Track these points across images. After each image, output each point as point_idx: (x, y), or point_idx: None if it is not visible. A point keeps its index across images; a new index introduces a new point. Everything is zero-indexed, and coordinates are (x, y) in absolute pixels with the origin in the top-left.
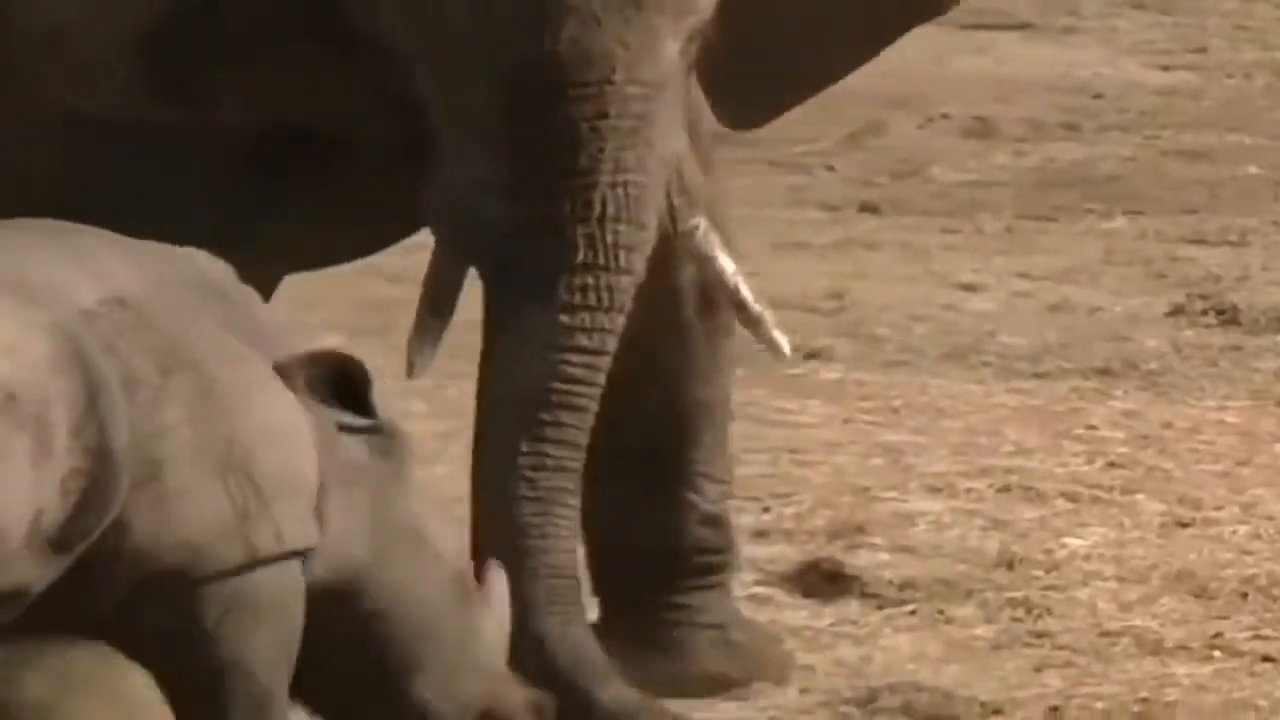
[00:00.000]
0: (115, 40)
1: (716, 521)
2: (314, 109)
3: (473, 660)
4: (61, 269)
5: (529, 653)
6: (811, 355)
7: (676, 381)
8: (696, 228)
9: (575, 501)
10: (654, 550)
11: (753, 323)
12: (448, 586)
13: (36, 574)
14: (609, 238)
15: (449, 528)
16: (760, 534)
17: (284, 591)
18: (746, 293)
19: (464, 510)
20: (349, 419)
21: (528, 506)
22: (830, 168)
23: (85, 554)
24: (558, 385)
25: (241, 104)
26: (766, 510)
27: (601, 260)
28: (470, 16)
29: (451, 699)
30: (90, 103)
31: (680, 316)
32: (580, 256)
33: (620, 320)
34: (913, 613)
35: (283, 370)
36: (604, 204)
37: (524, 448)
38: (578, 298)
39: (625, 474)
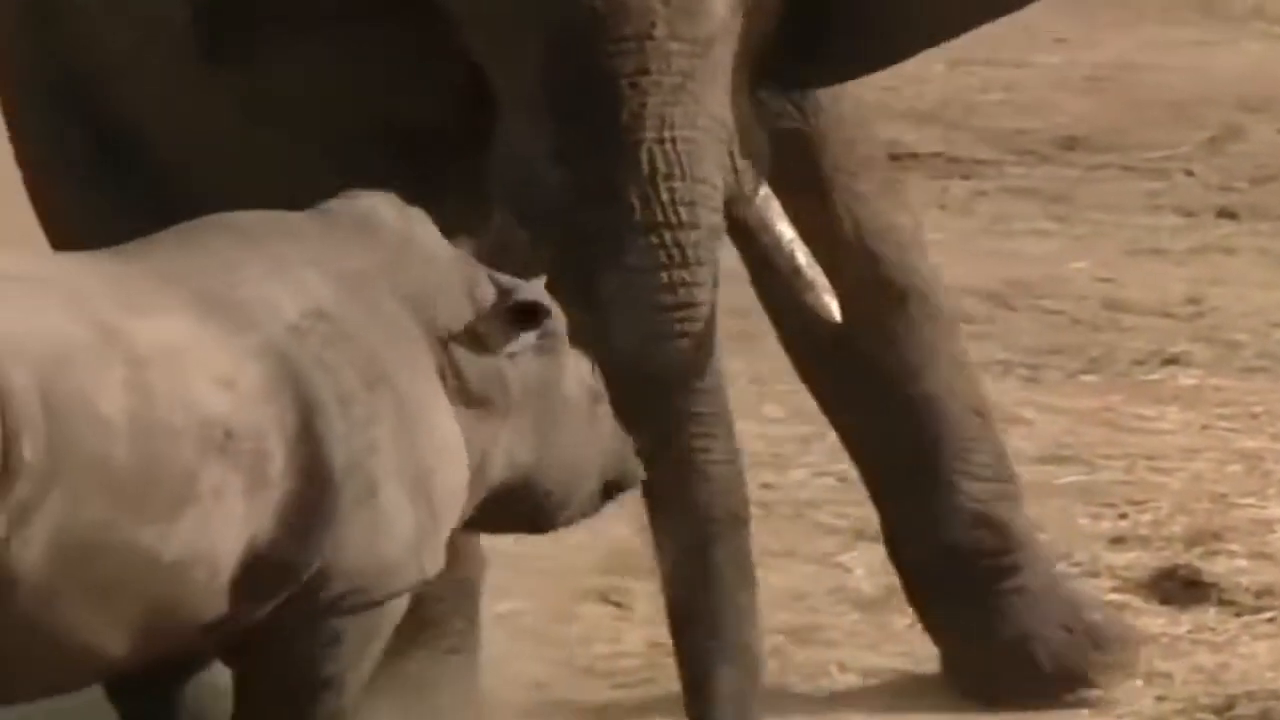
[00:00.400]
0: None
1: (990, 521)
2: (378, 87)
3: (601, 461)
4: (266, 283)
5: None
6: (1169, 361)
7: (894, 382)
8: (757, 194)
9: (729, 447)
10: (937, 561)
11: (806, 289)
12: (586, 419)
13: (250, 603)
14: (664, 195)
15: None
16: (1117, 540)
17: (398, 613)
18: (803, 259)
19: (817, 515)
20: (523, 343)
21: (684, 465)
22: (1189, 173)
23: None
24: (658, 346)
25: (296, 77)
26: (1123, 517)
27: (662, 218)
28: None
29: (591, 504)
30: (154, 61)
31: (876, 316)
32: (639, 217)
33: (704, 273)
34: (1271, 620)
35: (472, 334)
36: (652, 161)
37: (649, 413)
38: (647, 259)
39: (894, 487)
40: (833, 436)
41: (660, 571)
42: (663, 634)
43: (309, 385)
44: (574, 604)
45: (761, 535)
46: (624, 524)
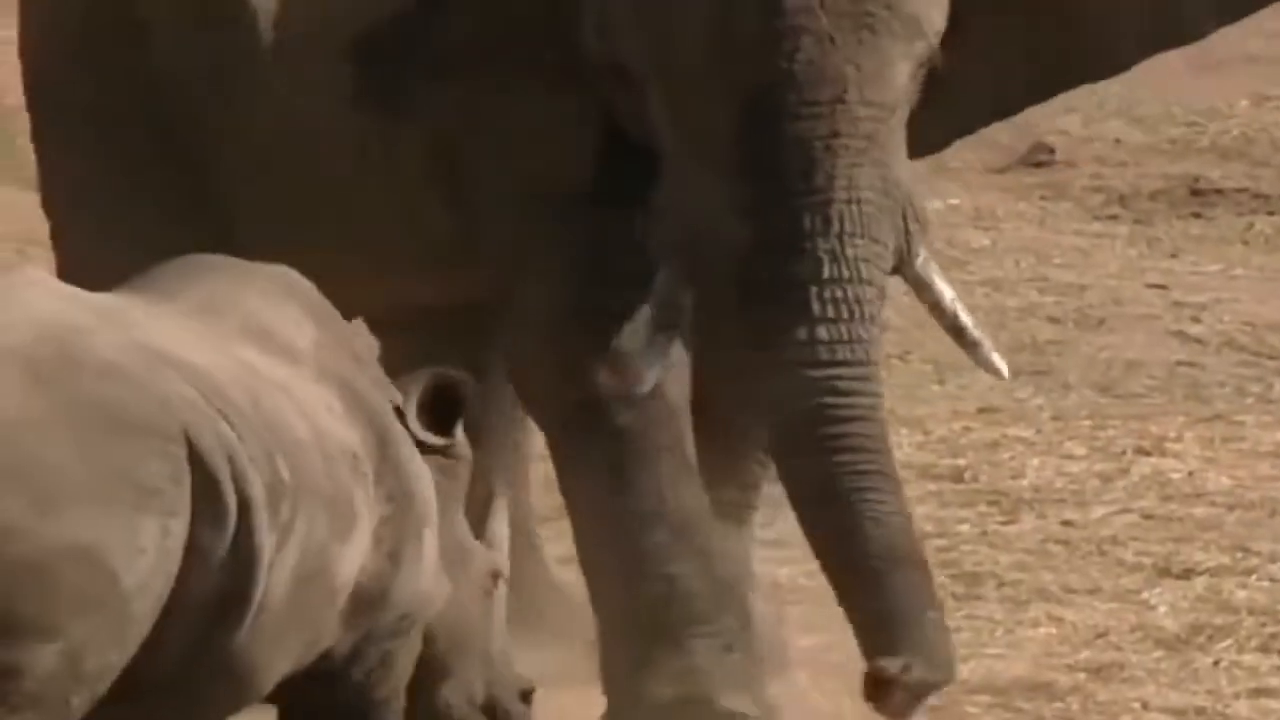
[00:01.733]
0: (330, 43)
1: None
2: (529, 137)
3: (487, 658)
4: (269, 313)
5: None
6: None
7: None
8: (918, 256)
9: (893, 495)
10: None
11: (970, 346)
12: (480, 591)
13: (345, 632)
14: (849, 252)
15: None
16: None
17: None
18: (965, 318)
19: (1120, 552)
20: (429, 438)
21: (851, 515)
22: None
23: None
24: (832, 400)
25: (449, 120)
26: None
27: (846, 274)
28: (707, 38)
29: (469, 698)
30: (309, 107)
31: None
32: (826, 272)
33: (875, 331)
34: None
35: (404, 390)
36: (841, 220)
37: (820, 468)
38: (830, 311)
39: None
40: (1136, 473)
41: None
42: (966, 670)
43: (374, 409)
44: None
45: (1063, 572)
46: (927, 559)
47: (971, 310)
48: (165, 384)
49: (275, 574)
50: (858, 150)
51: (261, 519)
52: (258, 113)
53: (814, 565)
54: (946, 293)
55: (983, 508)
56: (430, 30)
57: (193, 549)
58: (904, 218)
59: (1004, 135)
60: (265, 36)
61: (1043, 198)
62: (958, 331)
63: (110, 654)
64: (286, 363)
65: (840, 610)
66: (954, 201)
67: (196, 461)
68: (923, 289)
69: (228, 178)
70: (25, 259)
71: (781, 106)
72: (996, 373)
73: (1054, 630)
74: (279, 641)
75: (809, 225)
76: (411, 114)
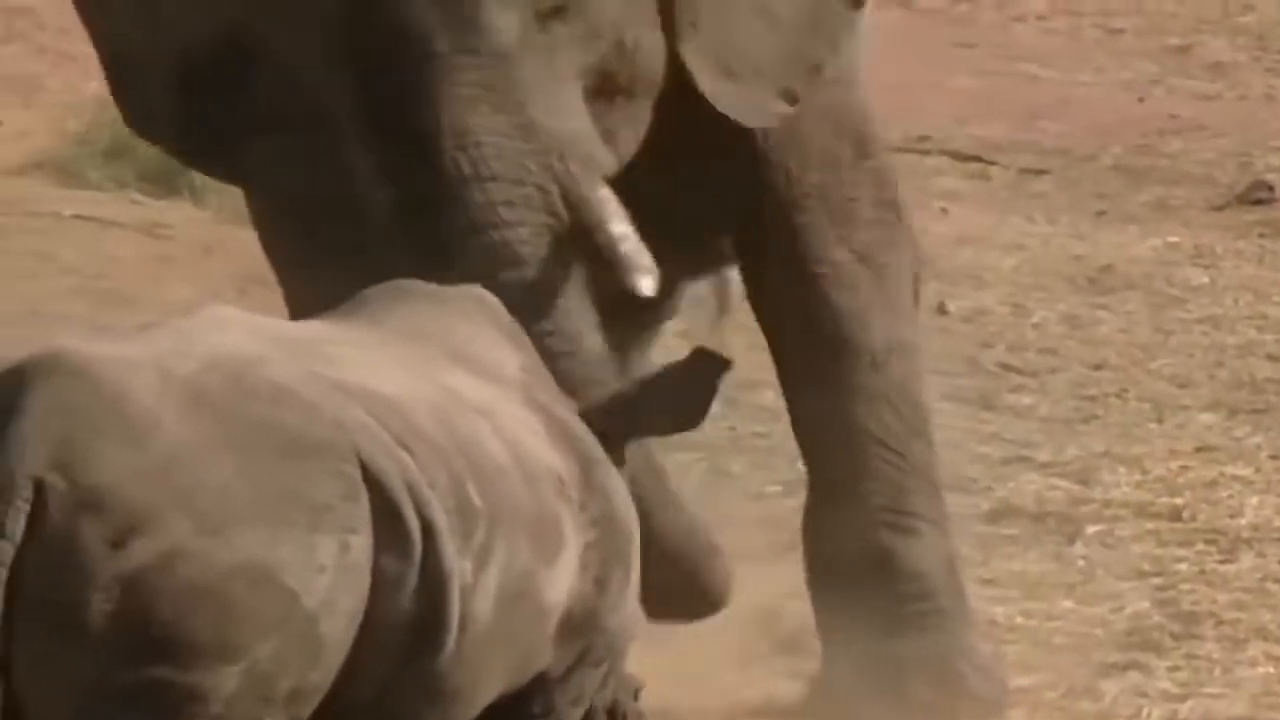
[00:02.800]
0: (160, 74)
1: None
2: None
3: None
4: (479, 341)
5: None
6: None
7: None
8: (592, 196)
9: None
10: None
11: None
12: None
13: (558, 656)
14: (479, 197)
15: None
16: None
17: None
18: (626, 251)
19: None
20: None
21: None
22: None
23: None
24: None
25: (271, 171)
26: None
27: (486, 218)
28: (295, 17)
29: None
30: (154, 133)
31: None
32: (465, 220)
33: (532, 271)
34: None
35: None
36: (459, 168)
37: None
38: (482, 260)
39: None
40: None
41: None
42: (1184, 709)
43: (576, 433)
44: (1095, 679)
45: None
46: (1145, 599)
47: (1190, 348)
48: (339, 410)
49: (476, 599)
50: (467, 99)
51: (447, 544)
52: None
53: (1029, 604)
54: (618, 230)
55: (1201, 546)
56: (252, 81)
57: (379, 574)
58: (559, 160)
59: (1223, 174)
60: None
61: (1261, 235)
62: (617, 265)
63: (306, 674)
64: (492, 387)
65: (1057, 653)
66: (1173, 239)
67: (373, 483)
68: (595, 230)
69: None
70: (244, 296)
71: (379, 66)
72: (644, 293)
73: (1273, 670)
74: (485, 664)
75: (434, 180)
76: (234, 165)
